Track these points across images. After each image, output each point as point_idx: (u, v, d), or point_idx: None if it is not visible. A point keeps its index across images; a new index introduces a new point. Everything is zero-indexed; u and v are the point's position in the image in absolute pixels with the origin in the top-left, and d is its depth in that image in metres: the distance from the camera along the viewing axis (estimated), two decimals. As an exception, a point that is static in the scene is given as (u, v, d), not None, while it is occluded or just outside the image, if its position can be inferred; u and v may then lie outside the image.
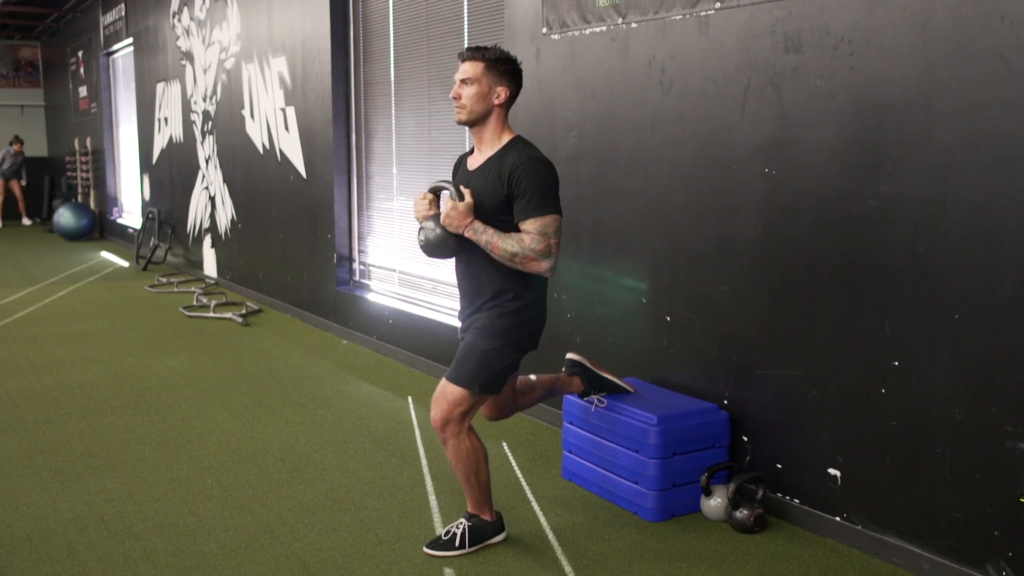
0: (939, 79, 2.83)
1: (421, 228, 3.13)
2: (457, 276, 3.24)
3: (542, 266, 2.98)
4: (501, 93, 3.08)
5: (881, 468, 3.11)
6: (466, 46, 3.14)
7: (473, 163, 3.19)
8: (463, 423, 3.10)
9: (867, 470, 3.15)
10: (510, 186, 2.99)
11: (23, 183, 16.12)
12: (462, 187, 3.08)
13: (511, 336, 3.08)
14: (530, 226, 2.96)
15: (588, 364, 3.70)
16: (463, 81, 3.08)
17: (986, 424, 2.81)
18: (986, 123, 2.73)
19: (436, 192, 3.18)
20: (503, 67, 3.08)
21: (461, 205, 3.01)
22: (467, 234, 3.02)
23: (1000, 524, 2.80)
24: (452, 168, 3.37)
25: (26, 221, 16.30)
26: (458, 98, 3.09)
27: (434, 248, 3.11)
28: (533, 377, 3.56)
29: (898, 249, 2.99)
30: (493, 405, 3.41)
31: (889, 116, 2.98)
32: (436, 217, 3.11)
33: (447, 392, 3.08)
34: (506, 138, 3.13)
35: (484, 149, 3.14)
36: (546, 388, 3.60)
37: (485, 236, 2.99)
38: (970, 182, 2.78)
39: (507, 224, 3.03)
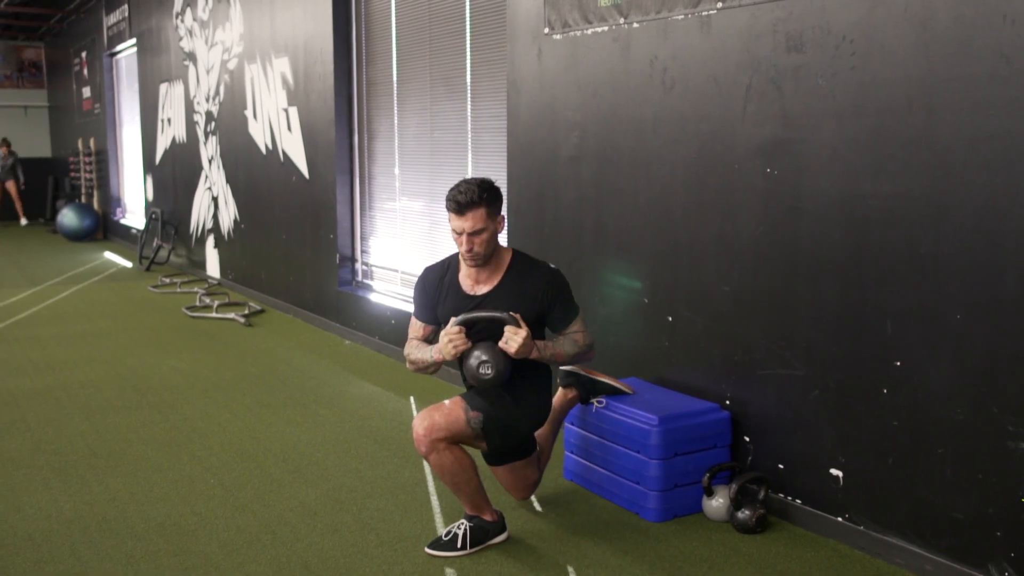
0: (940, 78, 2.83)
1: (483, 362, 3.06)
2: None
3: (593, 353, 3.34)
4: (502, 222, 3.16)
5: (883, 468, 3.10)
6: (455, 198, 3.06)
7: (476, 287, 3.21)
8: (444, 442, 3.10)
9: (869, 470, 3.15)
10: (547, 305, 3.19)
11: (21, 183, 15.97)
12: (512, 314, 3.08)
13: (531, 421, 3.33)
14: (575, 327, 3.26)
15: (581, 371, 3.71)
16: (473, 233, 3.07)
17: (988, 424, 2.80)
18: (988, 123, 2.72)
19: (468, 325, 3.11)
20: (496, 199, 3.12)
21: (523, 331, 3.06)
22: (534, 355, 3.12)
23: (1002, 524, 2.79)
24: (425, 287, 3.30)
25: (23, 221, 16.22)
26: (471, 248, 3.09)
27: (502, 377, 3.10)
28: (538, 439, 3.59)
29: (899, 249, 2.98)
30: (520, 488, 3.50)
31: (890, 116, 2.97)
32: (490, 348, 3.07)
33: (443, 408, 3.13)
34: (506, 257, 3.23)
35: (489, 273, 3.19)
36: (554, 423, 3.69)
37: (548, 351, 3.18)
38: (972, 182, 2.78)
39: (535, 336, 3.17)
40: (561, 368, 3.75)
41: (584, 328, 3.29)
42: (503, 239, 4.84)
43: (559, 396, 3.73)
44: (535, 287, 3.18)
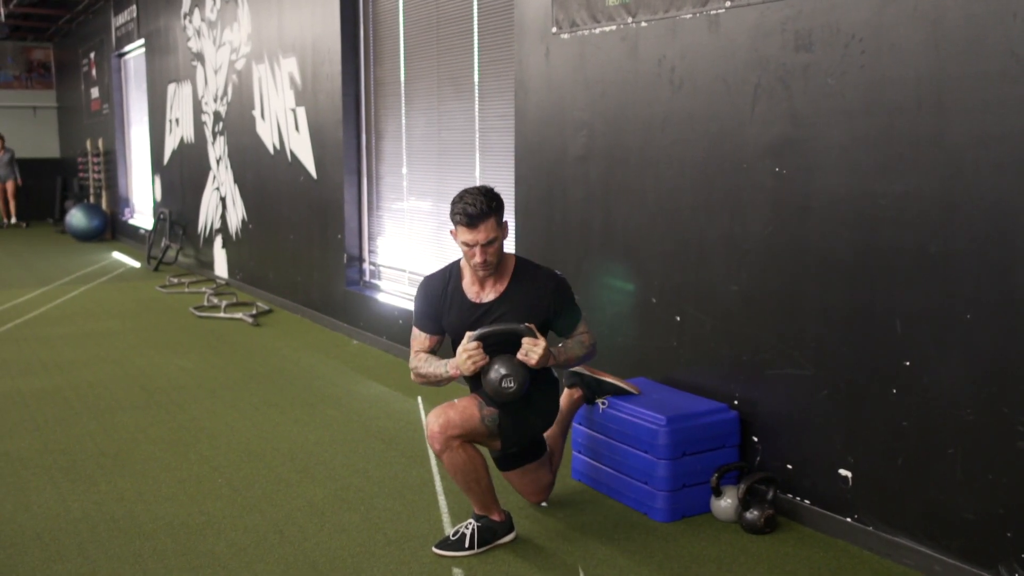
0: (951, 77, 2.82)
1: (505, 376, 3.04)
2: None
3: (595, 351, 3.39)
4: (507, 228, 3.17)
5: (892, 469, 3.09)
6: (465, 211, 3.03)
7: (482, 295, 3.21)
8: (458, 439, 3.10)
9: (878, 471, 3.14)
10: (555, 312, 3.22)
11: (18, 181, 15.80)
12: (527, 325, 3.09)
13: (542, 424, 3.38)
14: (580, 328, 3.33)
15: (586, 372, 3.71)
16: (486, 244, 3.06)
17: (998, 424, 2.79)
18: (998, 121, 2.71)
19: (484, 340, 3.09)
20: (499, 204, 3.12)
21: (542, 342, 3.07)
22: (551, 363, 3.15)
23: (1012, 525, 2.78)
24: (428, 297, 3.28)
25: (12, 220, 15.93)
26: (484, 260, 3.08)
27: (523, 389, 3.09)
28: (548, 440, 3.59)
29: (909, 248, 2.97)
30: (533, 491, 3.50)
31: (900, 114, 2.96)
32: (507, 361, 3.06)
33: (457, 405, 3.13)
34: (510, 263, 3.23)
35: (492, 280, 3.20)
36: (563, 424, 3.68)
37: (563, 356, 3.23)
38: (982, 181, 2.77)
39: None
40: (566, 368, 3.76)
41: (587, 328, 3.37)
42: (511, 241, 4.84)
43: (565, 396, 3.72)
44: (542, 294, 3.20)
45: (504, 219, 3.15)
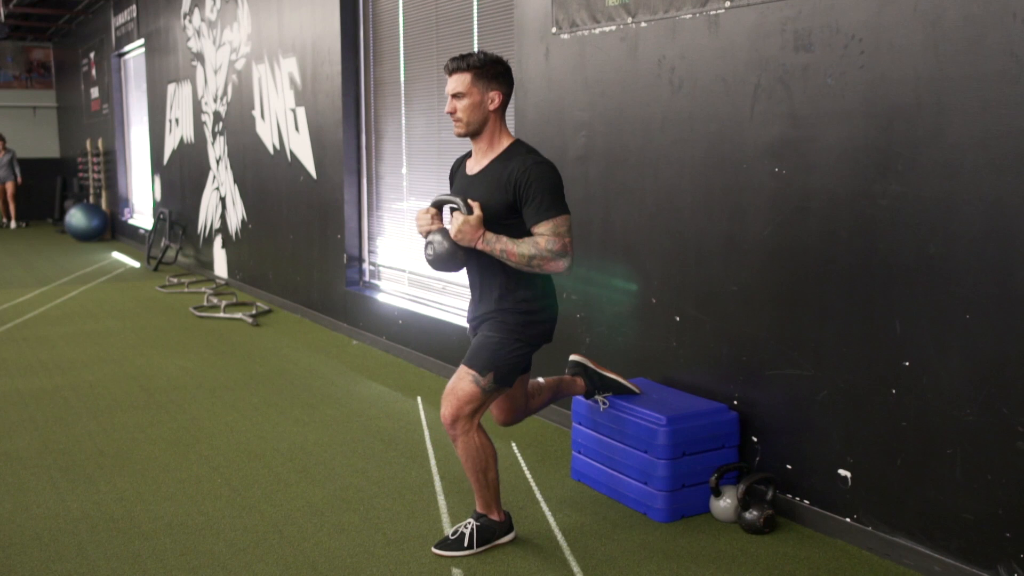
0: (950, 77, 2.82)
1: (428, 242, 3.10)
2: (468, 276, 3.25)
3: (560, 265, 3.00)
4: (495, 98, 3.09)
5: (891, 469, 3.09)
6: (450, 59, 3.09)
7: (472, 168, 3.18)
8: (473, 420, 3.10)
9: (877, 471, 3.14)
10: (516, 192, 3.01)
11: (19, 180, 15.76)
12: (470, 201, 3.05)
13: (522, 332, 3.11)
14: (544, 228, 2.97)
15: (590, 364, 3.70)
16: (455, 95, 3.07)
17: (997, 425, 2.79)
18: (997, 121, 2.71)
19: (439, 206, 3.14)
20: (491, 71, 3.07)
21: (472, 219, 2.99)
22: (479, 245, 3.01)
23: (1011, 525, 2.78)
24: (450, 172, 3.36)
25: (12, 224, 15.88)
26: (453, 112, 3.09)
27: (443, 261, 3.10)
28: (540, 380, 3.56)
29: (909, 249, 2.97)
30: (505, 409, 3.41)
31: (900, 115, 2.96)
32: (442, 231, 3.08)
33: (458, 389, 3.09)
34: (505, 142, 3.13)
35: (483, 155, 3.15)
36: (552, 390, 3.60)
37: (499, 245, 3.00)
38: (981, 181, 2.77)
39: (510, 228, 3.04)
40: (570, 359, 3.74)
41: (554, 234, 2.96)
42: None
43: (567, 379, 3.70)
44: (509, 175, 3.02)
45: (496, 89, 3.07)
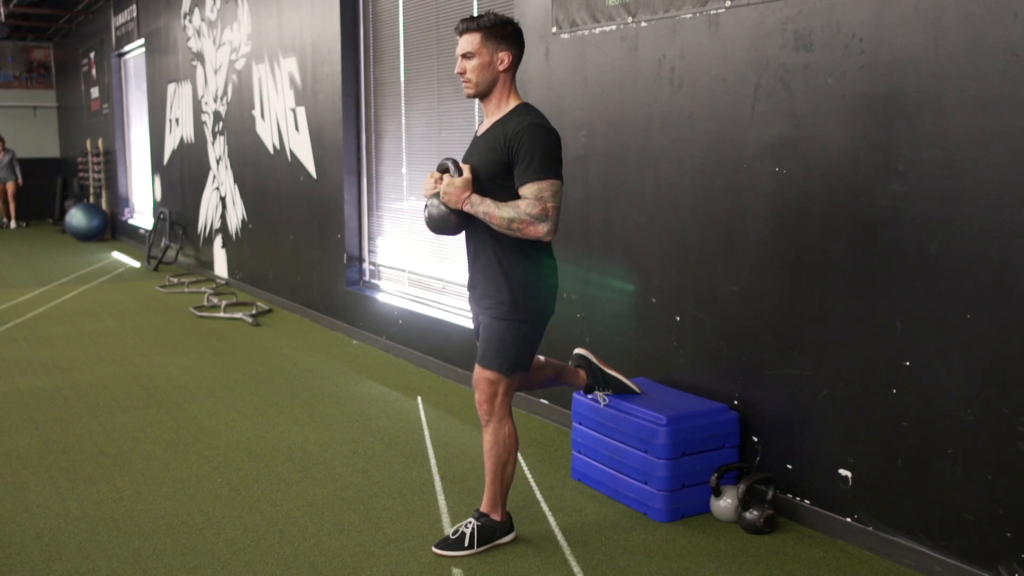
0: (950, 76, 2.81)
1: (426, 205, 3.14)
2: (465, 244, 3.25)
3: (539, 230, 2.93)
4: (504, 59, 3.08)
5: (892, 469, 3.09)
6: (460, 20, 3.09)
7: (480, 129, 3.20)
8: (506, 405, 3.13)
9: (878, 471, 3.14)
10: (510, 152, 2.99)
11: (19, 181, 15.72)
12: (461, 163, 3.08)
13: (520, 310, 3.08)
14: (527, 191, 2.94)
15: (594, 360, 3.69)
16: (464, 56, 3.07)
17: (998, 425, 2.79)
18: (998, 120, 2.71)
19: (443, 170, 3.16)
20: (501, 32, 3.07)
21: (458, 180, 3.01)
22: (465, 208, 3.02)
23: (1012, 525, 2.77)
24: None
25: (13, 224, 15.86)
26: (463, 73, 3.09)
27: (436, 224, 3.12)
28: (542, 358, 3.53)
29: (909, 248, 2.97)
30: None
31: (900, 114, 2.96)
32: (436, 195, 3.12)
33: (483, 375, 3.11)
34: (512, 103, 3.12)
35: (491, 116, 3.15)
36: (555, 370, 3.58)
37: (483, 207, 2.98)
38: (982, 180, 2.77)
39: (507, 190, 3.02)
40: (574, 352, 3.74)
41: (536, 197, 2.91)
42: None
43: (570, 368, 3.69)
44: (504, 135, 3.00)
45: (506, 50, 3.06)
